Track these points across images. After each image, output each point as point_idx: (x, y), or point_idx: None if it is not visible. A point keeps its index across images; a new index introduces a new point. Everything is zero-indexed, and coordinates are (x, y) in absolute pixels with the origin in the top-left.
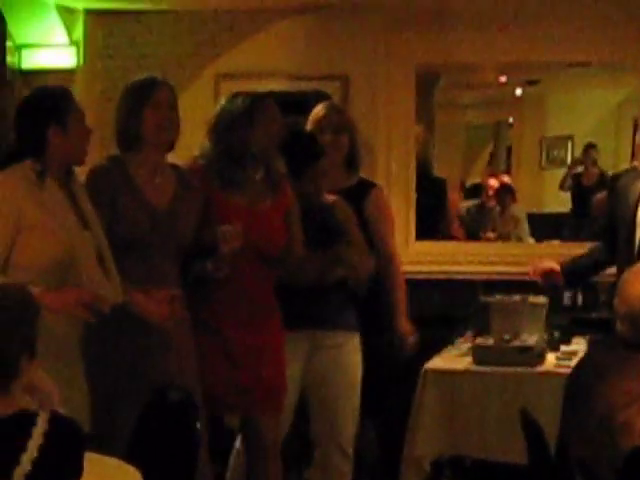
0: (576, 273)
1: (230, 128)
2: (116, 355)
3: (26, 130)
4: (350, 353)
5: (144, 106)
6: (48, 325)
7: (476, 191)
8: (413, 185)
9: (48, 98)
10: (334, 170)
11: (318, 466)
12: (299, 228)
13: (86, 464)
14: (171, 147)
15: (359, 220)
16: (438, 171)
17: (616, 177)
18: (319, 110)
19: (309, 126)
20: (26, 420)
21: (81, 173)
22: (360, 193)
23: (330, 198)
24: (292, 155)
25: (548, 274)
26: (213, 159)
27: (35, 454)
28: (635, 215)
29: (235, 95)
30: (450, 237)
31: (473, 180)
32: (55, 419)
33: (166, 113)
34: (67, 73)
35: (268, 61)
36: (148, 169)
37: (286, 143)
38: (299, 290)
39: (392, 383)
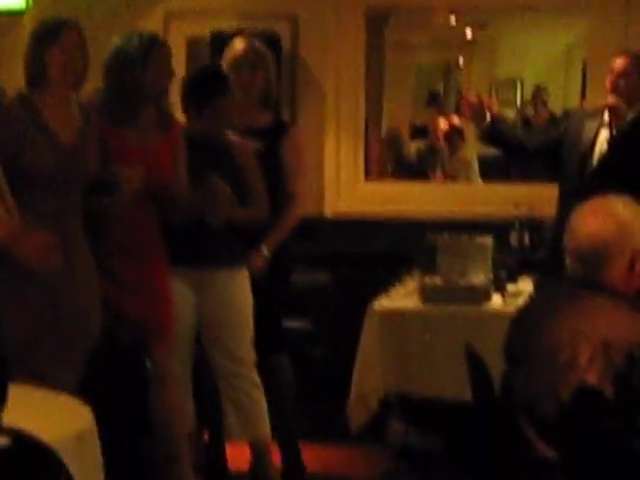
0: (497, 129)
1: (124, 67)
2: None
3: None
4: (237, 290)
5: (51, 47)
6: None
7: (425, 131)
8: (362, 125)
9: None
10: (249, 108)
11: (228, 399)
12: (183, 167)
13: (32, 399)
14: (79, 84)
15: (274, 159)
16: (388, 111)
17: (568, 113)
18: (236, 45)
19: (224, 61)
20: None
21: None
22: (277, 132)
23: (233, 139)
24: (195, 89)
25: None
26: (106, 96)
27: None
28: (590, 153)
29: (130, 35)
30: None
31: (423, 122)
32: None
33: (72, 54)
34: (16, 15)
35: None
36: (55, 106)
37: (191, 77)
38: (183, 227)
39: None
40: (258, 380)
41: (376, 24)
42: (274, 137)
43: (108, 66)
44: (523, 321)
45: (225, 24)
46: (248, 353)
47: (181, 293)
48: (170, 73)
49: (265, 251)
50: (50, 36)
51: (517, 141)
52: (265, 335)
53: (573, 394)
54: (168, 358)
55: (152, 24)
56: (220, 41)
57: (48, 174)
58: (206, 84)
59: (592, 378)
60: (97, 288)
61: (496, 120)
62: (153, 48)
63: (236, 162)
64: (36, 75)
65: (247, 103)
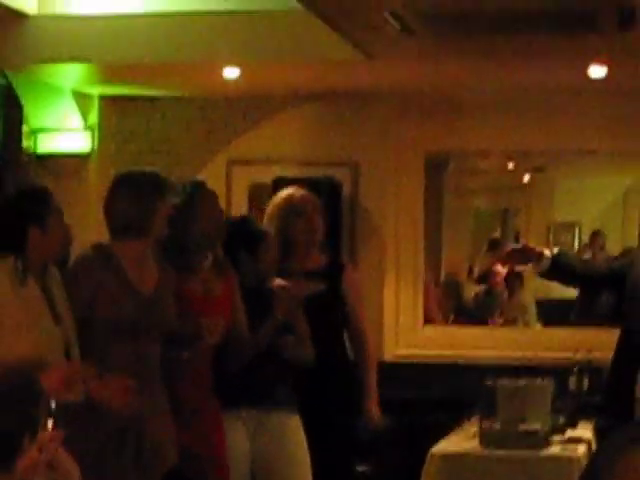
0: (560, 263)
1: (172, 218)
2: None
3: (7, 229)
4: (293, 435)
5: (158, 201)
6: None
7: (485, 278)
8: (422, 271)
9: (29, 200)
10: (312, 251)
11: None
12: (243, 312)
13: None
14: (160, 237)
15: (335, 299)
16: (447, 256)
17: (629, 250)
18: (292, 192)
19: (276, 207)
20: None
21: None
22: (334, 272)
23: (277, 282)
24: (227, 239)
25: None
26: (164, 248)
27: None
28: None
29: (173, 186)
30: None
31: (481, 265)
32: None
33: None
34: (82, 157)
35: (279, 147)
36: (135, 257)
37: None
38: (248, 369)
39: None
40: None
41: (435, 169)
42: (334, 277)
43: None
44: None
45: (287, 171)
46: None
47: (234, 439)
48: (219, 218)
49: (375, 408)
50: (159, 190)
51: (582, 269)
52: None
53: None
54: None
55: (215, 170)
56: (282, 187)
57: (128, 323)
58: (238, 235)
59: None
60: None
61: (559, 253)
62: (199, 196)
63: (277, 308)
64: (133, 225)
65: (310, 247)
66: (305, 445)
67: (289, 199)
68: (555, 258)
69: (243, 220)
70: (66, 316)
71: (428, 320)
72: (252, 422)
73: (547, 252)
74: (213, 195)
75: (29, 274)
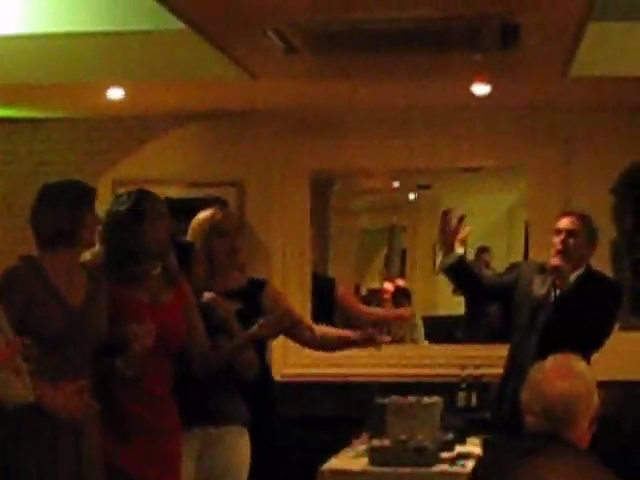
0: (465, 263)
1: (121, 226)
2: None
3: None
4: (242, 450)
5: (85, 210)
6: None
7: (373, 296)
8: (309, 286)
9: None
10: (230, 272)
11: None
12: (200, 321)
13: None
14: (89, 247)
15: (256, 314)
16: (333, 275)
17: (514, 265)
18: (215, 213)
19: (198, 230)
20: None
21: None
22: (254, 290)
23: (207, 296)
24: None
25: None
26: (109, 258)
27: None
28: (540, 309)
29: (119, 195)
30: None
31: (369, 284)
32: None
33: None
34: None
35: (164, 167)
36: (64, 269)
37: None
38: (192, 385)
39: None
40: None
41: (321, 188)
42: (254, 294)
43: (105, 229)
44: None
45: (174, 192)
46: None
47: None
48: (168, 225)
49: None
50: (85, 199)
51: (476, 277)
52: None
53: None
54: None
55: (100, 192)
56: (170, 209)
57: (57, 336)
58: (179, 256)
59: None
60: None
61: (464, 256)
62: (144, 202)
63: (220, 317)
64: (60, 236)
65: (232, 267)
66: (247, 463)
67: (211, 219)
68: (461, 257)
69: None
70: (4, 324)
71: None
72: (198, 441)
73: (459, 250)
74: (161, 202)
75: None
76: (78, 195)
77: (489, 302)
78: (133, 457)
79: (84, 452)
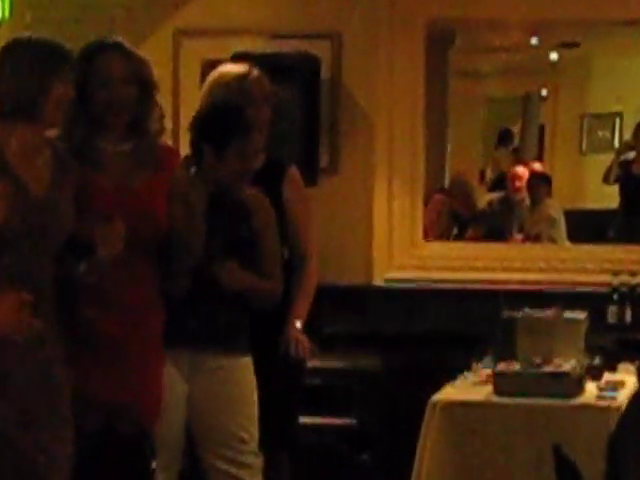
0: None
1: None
2: None
3: None
4: (239, 379)
5: (53, 74)
6: None
7: (500, 182)
8: (421, 174)
9: None
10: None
11: None
12: (193, 212)
13: None
14: (52, 126)
15: (277, 208)
16: (453, 154)
17: None
18: (241, 73)
19: (218, 90)
20: None
21: None
22: (274, 174)
23: (251, 193)
24: (212, 127)
25: None
26: (71, 130)
27: None
28: None
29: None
30: None
31: (496, 168)
32: None
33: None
34: None
35: (239, 14)
36: (24, 147)
37: (206, 112)
38: (182, 301)
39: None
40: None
41: (439, 44)
42: (271, 181)
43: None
44: (631, 423)
45: (250, 44)
46: (250, 455)
47: (169, 382)
48: (142, 73)
49: (299, 324)
50: (54, 62)
51: None
52: (272, 430)
53: None
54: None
55: (159, 44)
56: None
57: (16, 229)
58: (227, 121)
59: None
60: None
61: None
62: (105, 48)
63: (253, 224)
64: (16, 107)
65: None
66: (254, 394)
67: (238, 79)
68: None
69: (233, 103)
70: None
71: (428, 235)
72: (186, 364)
73: None
74: (122, 47)
75: None
76: (47, 59)
77: None
78: (102, 380)
79: (49, 381)
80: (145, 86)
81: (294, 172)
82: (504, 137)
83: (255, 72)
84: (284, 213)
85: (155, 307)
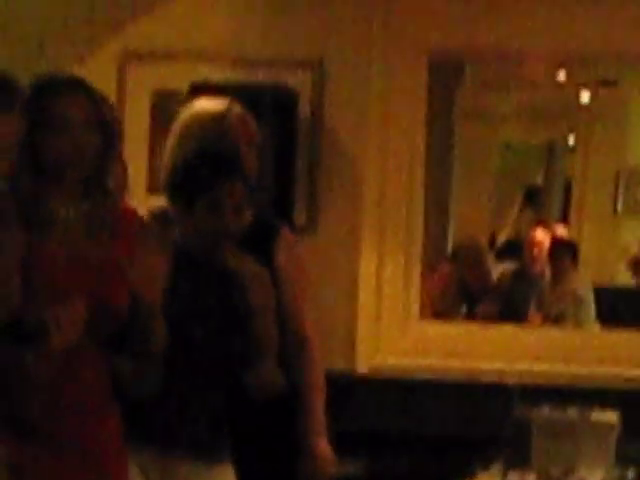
0: None
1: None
2: None
3: None
4: None
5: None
6: None
7: (514, 248)
8: (419, 234)
9: None
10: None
11: None
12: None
13: None
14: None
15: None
16: (458, 214)
17: None
18: (221, 111)
19: (194, 131)
20: None
21: None
22: (264, 234)
23: (243, 262)
24: (188, 172)
25: None
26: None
27: None
28: None
29: None
30: None
31: (510, 231)
32: None
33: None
34: None
35: (200, 36)
36: None
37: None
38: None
39: None
40: None
41: (443, 79)
42: (263, 244)
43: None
44: None
45: (213, 71)
46: None
47: None
48: (112, 133)
49: (325, 448)
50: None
51: None
52: None
53: None
54: None
55: (101, 68)
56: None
57: None
58: (201, 170)
59: None
60: None
61: None
62: (61, 85)
63: (249, 300)
64: None
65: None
66: None
67: (217, 119)
68: None
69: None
70: None
71: (427, 313)
72: (156, 471)
73: None
74: (83, 85)
75: None
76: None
77: None
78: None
79: None
80: (108, 134)
81: (287, 234)
82: (532, 196)
83: (237, 109)
84: (275, 282)
85: (111, 405)
